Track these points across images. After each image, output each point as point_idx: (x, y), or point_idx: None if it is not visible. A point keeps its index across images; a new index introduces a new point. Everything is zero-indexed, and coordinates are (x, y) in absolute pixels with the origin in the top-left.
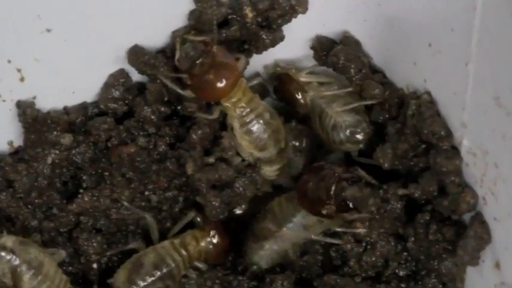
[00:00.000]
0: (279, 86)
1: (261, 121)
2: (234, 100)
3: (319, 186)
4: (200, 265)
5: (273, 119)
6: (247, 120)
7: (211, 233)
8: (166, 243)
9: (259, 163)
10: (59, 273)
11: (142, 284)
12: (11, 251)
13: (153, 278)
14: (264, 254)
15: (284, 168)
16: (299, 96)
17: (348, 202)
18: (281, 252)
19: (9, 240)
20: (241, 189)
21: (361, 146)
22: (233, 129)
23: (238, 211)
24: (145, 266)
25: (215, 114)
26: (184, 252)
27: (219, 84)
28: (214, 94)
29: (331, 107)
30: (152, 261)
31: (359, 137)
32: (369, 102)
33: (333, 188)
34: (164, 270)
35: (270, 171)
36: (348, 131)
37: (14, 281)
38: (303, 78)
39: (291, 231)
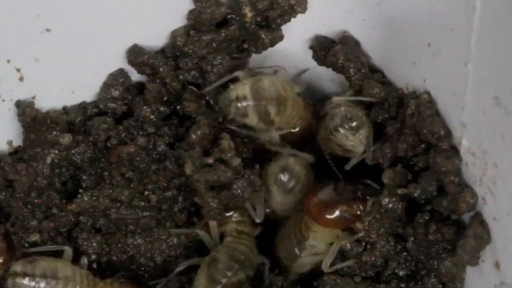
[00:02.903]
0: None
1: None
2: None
3: (339, 195)
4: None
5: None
6: None
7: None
8: (228, 237)
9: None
10: (77, 270)
11: (224, 280)
12: (24, 274)
13: (232, 271)
14: (295, 271)
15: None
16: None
17: (365, 195)
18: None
19: (17, 266)
20: (239, 191)
21: (358, 136)
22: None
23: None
24: (222, 260)
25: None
26: (245, 236)
27: None
28: None
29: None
30: (227, 254)
31: (352, 117)
32: (367, 99)
33: (358, 186)
34: (241, 258)
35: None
36: (343, 115)
37: None
38: None
39: (306, 260)
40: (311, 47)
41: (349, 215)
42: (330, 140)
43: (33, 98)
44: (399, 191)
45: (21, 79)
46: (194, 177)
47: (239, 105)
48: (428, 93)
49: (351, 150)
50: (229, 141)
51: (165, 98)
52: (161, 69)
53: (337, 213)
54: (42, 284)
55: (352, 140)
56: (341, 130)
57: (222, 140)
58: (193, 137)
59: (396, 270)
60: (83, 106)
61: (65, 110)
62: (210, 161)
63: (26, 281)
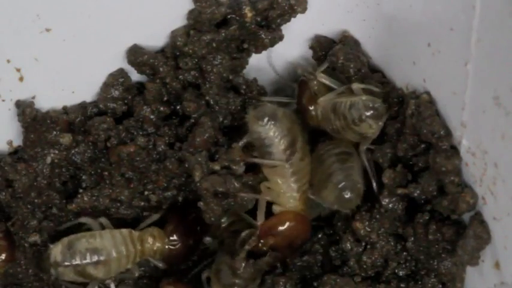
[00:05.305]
0: (298, 95)
1: None
2: None
3: None
4: None
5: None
6: None
7: None
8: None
9: None
10: (117, 237)
11: (237, 280)
12: (64, 261)
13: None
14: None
15: None
16: (311, 108)
17: None
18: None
19: (57, 255)
20: (244, 202)
21: (380, 124)
22: None
23: None
24: (225, 261)
25: None
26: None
27: None
28: None
29: (344, 95)
30: (226, 252)
31: (377, 106)
32: (375, 89)
33: None
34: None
35: None
36: (366, 104)
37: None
38: (320, 78)
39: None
40: (311, 47)
41: None
42: (348, 126)
43: (33, 98)
44: (399, 191)
45: (21, 79)
46: (203, 186)
47: (273, 124)
48: (428, 93)
49: (368, 137)
50: (241, 153)
51: (165, 98)
52: (161, 69)
53: None
54: (85, 266)
55: (375, 128)
56: (368, 120)
57: (232, 150)
58: (198, 139)
59: (396, 270)
60: (83, 106)
61: (65, 110)
62: (217, 167)
63: (69, 269)
